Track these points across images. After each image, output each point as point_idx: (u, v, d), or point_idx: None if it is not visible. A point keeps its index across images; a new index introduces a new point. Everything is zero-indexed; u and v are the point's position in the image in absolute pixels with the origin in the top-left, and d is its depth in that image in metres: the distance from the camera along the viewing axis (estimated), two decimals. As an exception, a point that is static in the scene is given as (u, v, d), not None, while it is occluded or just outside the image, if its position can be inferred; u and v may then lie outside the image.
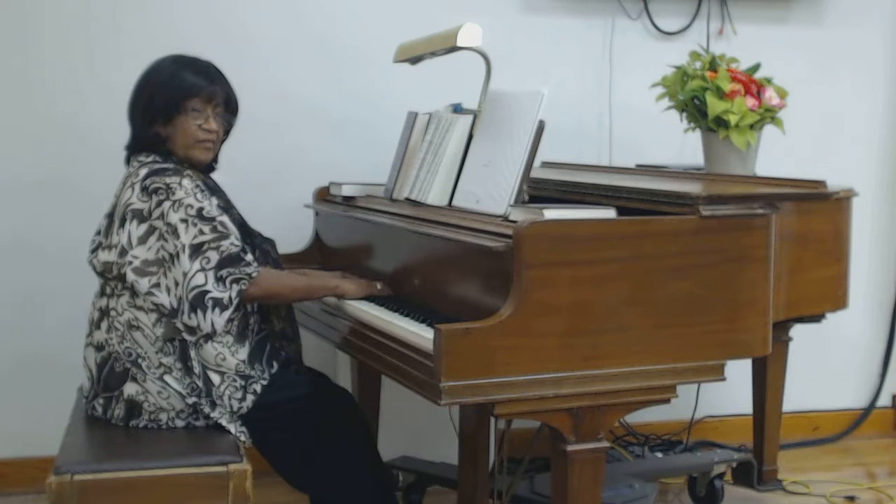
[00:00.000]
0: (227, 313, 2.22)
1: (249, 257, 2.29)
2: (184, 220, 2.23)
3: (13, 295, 3.26)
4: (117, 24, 3.24)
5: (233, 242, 2.26)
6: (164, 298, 2.24)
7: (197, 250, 2.22)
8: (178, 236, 2.22)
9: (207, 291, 2.21)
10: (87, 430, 2.30)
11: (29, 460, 3.26)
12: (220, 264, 2.22)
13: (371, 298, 2.48)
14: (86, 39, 3.23)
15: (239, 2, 3.37)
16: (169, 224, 2.23)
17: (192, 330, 2.24)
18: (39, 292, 3.26)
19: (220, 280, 2.22)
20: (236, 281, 2.23)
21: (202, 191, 2.30)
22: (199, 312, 2.21)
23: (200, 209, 2.25)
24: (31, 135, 3.23)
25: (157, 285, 2.25)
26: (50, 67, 3.23)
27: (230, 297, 2.22)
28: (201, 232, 2.23)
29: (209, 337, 2.26)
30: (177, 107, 2.34)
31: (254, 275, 2.25)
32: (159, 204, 2.25)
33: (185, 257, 2.21)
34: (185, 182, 2.27)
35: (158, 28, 3.25)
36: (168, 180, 2.26)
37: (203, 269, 2.21)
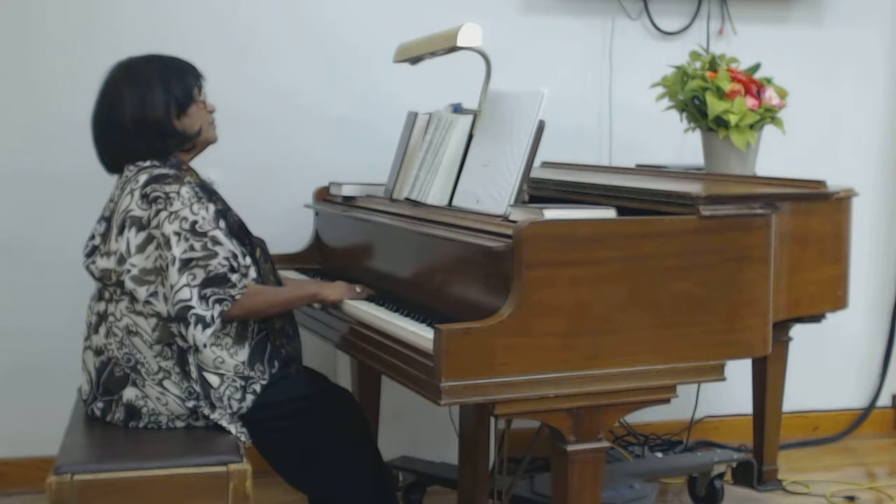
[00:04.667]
0: (209, 331, 2.23)
1: (235, 277, 2.28)
2: (177, 233, 2.23)
3: (13, 295, 3.26)
4: (118, 23, 3.24)
5: (220, 262, 2.26)
6: (161, 307, 2.25)
7: (185, 265, 2.22)
8: (170, 248, 2.23)
9: (191, 307, 2.21)
10: (87, 430, 2.30)
11: (29, 460, 3.26)
12: (206, 283, 2.23)
13: (371, 298, 2.48)
14: (86, 37, 3.23)
15: (239, 1, 3.36)
16: (163, 234, 2.24)
17: (183, 338, 2.25)
18: (40, 292, 3.26)
19: (203, 298, 2.23)
20: (219, 301, 2.24)
21: (199, 199, 2.30)
22: (183, 326, 2.22)
23: (194, 223, 2.25)
24: (31, 133, 3.23)
25: (155, 294, 2.26)
26: (50, 65, 3.23)
27: (213, 317, 2.23)
28: (192, 248, 2.23)
29: (198, 348, 2.26)
30: (190, 96, 2.40)
31: (237, 297, 2.26)
32: (157, 213, 2.25)
33: (173, 270, 2.22)
34: (184, 191, 2.27)
35: (159, 27, 3.25)
36: (168, 189, 2.26)
37: (188, 285, 2.22)
